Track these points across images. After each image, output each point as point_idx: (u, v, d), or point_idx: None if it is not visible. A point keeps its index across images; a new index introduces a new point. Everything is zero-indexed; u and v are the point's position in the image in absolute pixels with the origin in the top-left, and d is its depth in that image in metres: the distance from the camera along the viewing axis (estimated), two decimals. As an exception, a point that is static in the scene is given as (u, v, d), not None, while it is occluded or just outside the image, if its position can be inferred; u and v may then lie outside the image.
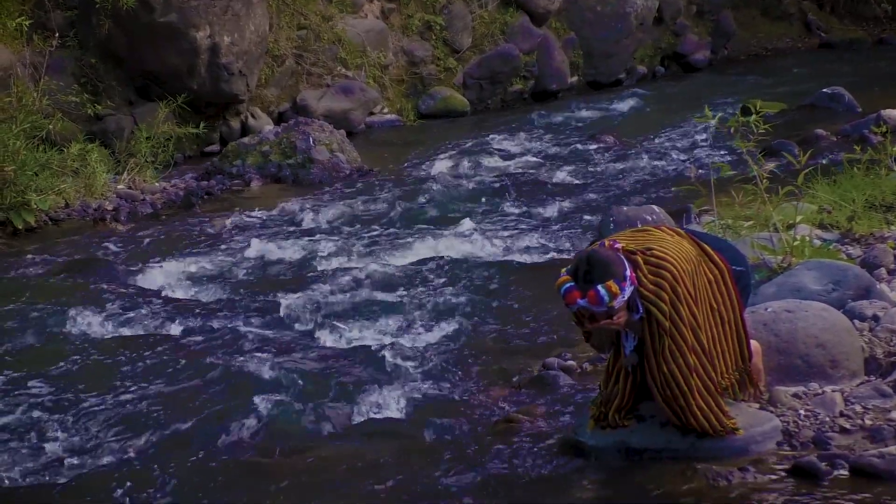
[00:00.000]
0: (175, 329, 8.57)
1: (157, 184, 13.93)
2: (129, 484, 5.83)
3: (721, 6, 25.72)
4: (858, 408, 5.69)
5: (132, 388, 7.25)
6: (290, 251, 10.80)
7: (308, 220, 12.25)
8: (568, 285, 5.15)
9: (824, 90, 17.36)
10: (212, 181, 14.22)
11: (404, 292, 9.17)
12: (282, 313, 8.83)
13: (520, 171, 14.53)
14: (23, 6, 15.08)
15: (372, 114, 19.05)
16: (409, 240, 11.04)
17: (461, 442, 6.22)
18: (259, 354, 7.67)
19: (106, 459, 6.26)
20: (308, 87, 18.47)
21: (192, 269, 10.28)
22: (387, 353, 7.64)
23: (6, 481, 6.07)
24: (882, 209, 9.05)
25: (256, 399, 6.77)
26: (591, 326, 5.30)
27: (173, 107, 15.22)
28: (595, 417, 5.61)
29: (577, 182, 13.76)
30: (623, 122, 18.64)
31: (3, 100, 13.03)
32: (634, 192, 12.78)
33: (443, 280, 9.45)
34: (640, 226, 9.06)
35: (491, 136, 17.00)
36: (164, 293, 9.49)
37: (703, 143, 15.03)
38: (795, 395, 5.82)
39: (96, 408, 6.93)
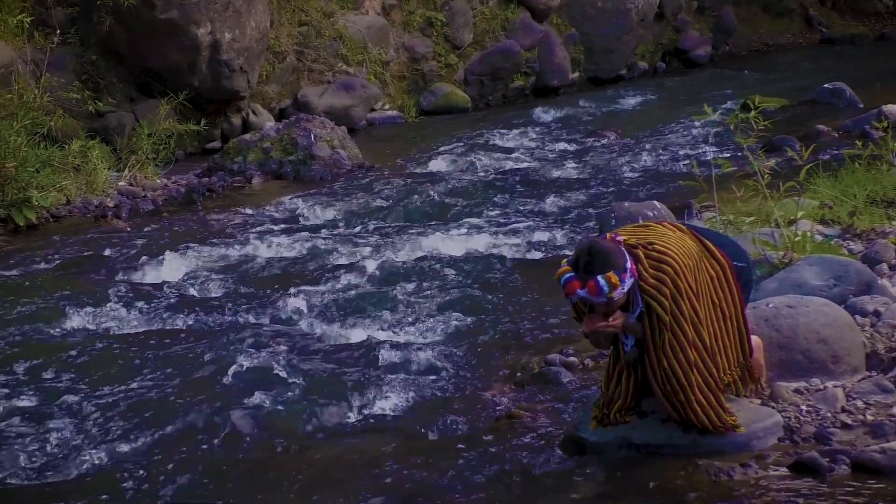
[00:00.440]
0: (176, 325, 8.57)
1: (158, 180, 13.94)
2: (129, 482, 5.84)
3: (722, 2, 25.73)
4: (860, 403, 5.68)
5: (133, 385, 7.25)
6: (291, 248, 10.80)
7: (309, 217, 12.26)
8: (568, 275, 5.15)
9: (825, 86, 17.37)
10: (213, 178, 14.23)
11: (405, 288, 9.16)
12: (282, 310, 8.84)
13: (521, 167, 14.53)
14: (24, 3, 15.11)
15: (373, 110, 19.06)
16: (410, 236, 11.04)
17: (463, 438, 6.23)
18: (260, 351, 7.67)
19: (106, 457, 6.26)
20: (309, 83, 18.47)
21: (193, 265, 10.28)
22: (388, 350, 7.64)
23: (7, 480, 6.07)
24: (883, 204, 9.05)
25: (257, 395, 6.78)
26: (588, 328, 5.30)
27: (174, 104, 15.24)
28: (597, 419, 5.61)
29: (578, 178, 13.76)
30: (624, 118, 18.65)
31: (5, 97, 13.03)
32: (636, 188, 12.78)
33: (444, 276, 9.45)
34: (641, 221, 9.08)
35: (492, 132, 17.01)
36: (165, 290, 9.49)
37: (705, 139, 15.02)
38: (797, 391, 5.82)
39: (97, 405, 6.94)
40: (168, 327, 8.54)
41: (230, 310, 8.90)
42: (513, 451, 5.83)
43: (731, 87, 20.22)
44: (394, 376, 7.25)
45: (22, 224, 11.78)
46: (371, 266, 9.74)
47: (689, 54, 24.81)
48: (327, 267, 9.95)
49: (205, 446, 6.30)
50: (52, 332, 8.38)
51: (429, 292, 9.06)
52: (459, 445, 6.06)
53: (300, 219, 12.21)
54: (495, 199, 12.61)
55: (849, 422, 5.52)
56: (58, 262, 10.49)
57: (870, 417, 5.53)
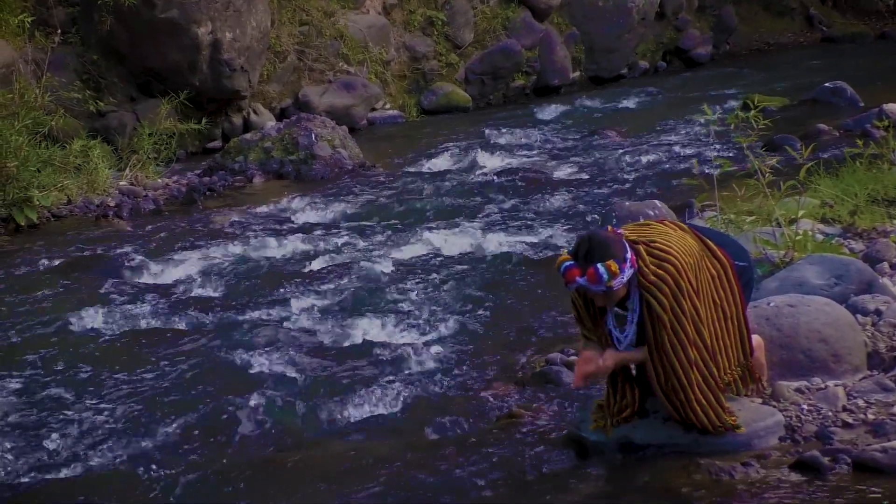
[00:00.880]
0: (177, 325, 8.58)
1: (159, 180, 13.95)
2: (129, 482, 5.84)
3: (723, 1, 25.74)
4: (861, 402, 5.69)
5: (133, 385, 7.25)
6: (292, 247, 10.80)
7: (310, 216, 12.26)
8: (568, 263, 5.15)
9: (826, 85, 17.37)
10: (214, 177, 14.23)
11: (406, 288, 9.17)
12: (283, 309, 8.84)
13: (521, 166, 14.52)
14: (25, 3, 15.12)
15: (374, 109, 19.07)
16: (411, 235, 11.04)
17: (464, 437, 6.22)
18: (260, 351, 7.67)
19: (106, 457, 6.26)
20: (310, 82, 18.48)
21: (194, 265, 10.28)
22: (389, 349, 7.64)
23: (8, 479, 6.08)
24: (884, 203, 9.05)
25: (258, 395, 6.78)
26: (580, 373, 5.31)
27: (175, 103, 15.25)
28: (602, 426, 5.59)
29: (579, 177, 13.76)
30: (625, 117, 18.65)
31: (6, 96, 13.04)
32: (637, 187, 12.78)
33: (445, 275, 9.45)
34: (642, 220, 9.08)
35: (493, 131, 17.01)
36: (166, 289, 9.50)
37: (706, 138, 15.02)
38: (798, 390, 5.82)
39: (98, 404, 6.94)
40: (169, 327, 8.54)
41: (231, 309, 8.90)
42: (513, 450, 5.83)
43: (732, 86, 20.23)
44: (394, 376, 7.25)
45: (23, 223, 11.78)
46: (372, 265, 9.74)
47: (689, 53, 24.83)
48: (328, 266, 9.95)
49: (205, 446, 6.30)
50: (53, 331, 8.37)
51: (429, 291, 9.07)
52: (460, 445, 6.06)
53: (301, 218, 12.22)
54: (496, 198, 12.61)
55: (850, 421, 5.52)
56: (59, 261, 10.49)
57: (871, 416, 5.53)
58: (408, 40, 20.23)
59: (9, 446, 6.42)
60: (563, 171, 14.15)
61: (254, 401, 6.74)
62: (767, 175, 8.02)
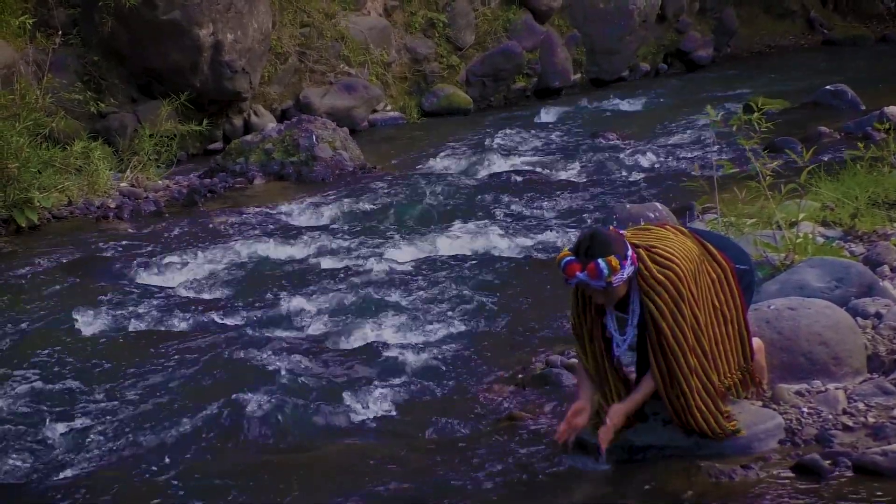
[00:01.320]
0: (177, 327, 8.58)
1: (160, 181, 13.94)
2: (129, 483, 5.83)
3: (724, 3, 25.77)
4: (861, 405, 5.69)
5: (134, 387, 7.26)
6: (293, 249, 10.80)
7: (311, 218, 12.26)
8: (568, 258, 5.15)
9: (827, 87, 17.38)
10: (215, 179, 14.23)
11: (407, 290, 9.17)
12: (284, 311, 8.84)
13: (522, 168, 14.53)
14: (26, 4, 15.12)
15: (375, 111, 19.08)
16: (412, 237, 11.04)
17: (464, 439, 6.22)
18: (261, 353, 7.66)
19: (107, 458, 6.26)
20: (311, 84, 18.49)
21: (195, 266, 10.28)
22: (389, 351, 7.64)
23: (9, 479, 6.08)
24: (885, 206, 9.05)
25: (258, 397, 6.77)
26: (563, 431, 5.32)
27: (176, 104, 15.26)
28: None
29: (579, 179, 13.77)
30: (626, 119, 18.66)
31: (7, 97, 13.03)
32: (637, 190, 12.77)
33: (445, 277, 9.45)
34: (642, 223, 9.07)
35: (493, 133, 17.01)
36: (166, 291, 9.50)
37: (707, 141, 15.02)
38: (798, 393, 5.83)
39: (98, 406, 6.95)
40: (169, 328, 8.54)
41: (231, 311, 8.90)
42: (514, 452, 5.83)
43: (733, 88, 20.24)
44: (395, 378, 7.25)
45: (24, 225, 11.78)
46: (372, 267, 9.74)
47: (690, 56, 24.84)
48: (329, 268, 9.95)
49: (204, 447, 6.30)
50: (53, 332, 8.37)
51: (430, 293, 9.07)
52: (461, 447, 6.06)
53: (302, 220, 12.22)
54: (497, 200, 12.61)
55: (850, 424, 5.52)
56: (59, 263, 10.49)
57: (871, 419, 5.53)
58: (409, 42, 20.24)
59: (9, 447, 6.42)
60: (563, 173, 14.16)
61: (254, 402, 6.74)
62: (768, 178, 8.02)
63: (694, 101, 18.73)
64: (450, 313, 8.59)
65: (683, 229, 5.54)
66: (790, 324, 6.00)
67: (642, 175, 13.80)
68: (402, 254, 10.45)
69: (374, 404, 6.88)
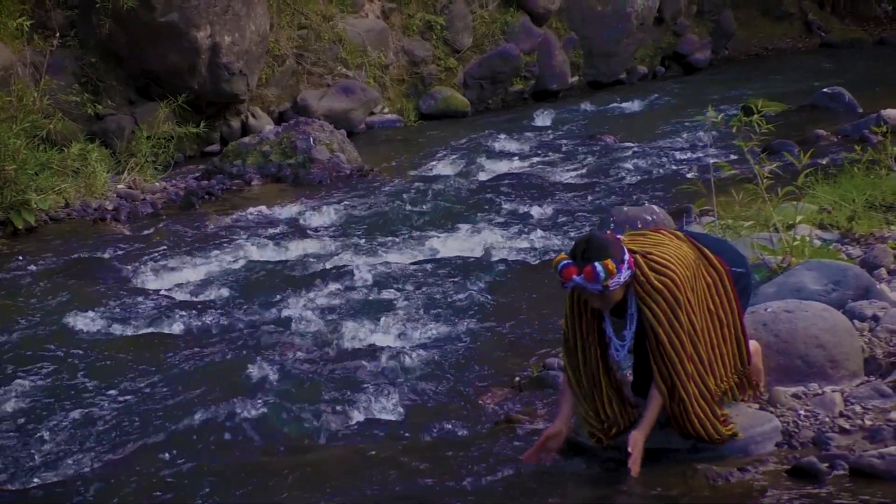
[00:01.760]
0: (175, 329, 8.57)
1: (157, 183, 13.94)
2: (127, 485, 5.82)
3: (721, 6, 25.78)
4: (858, 408, 5.69)
5: (131, 389, 7.25)
6: (290, 251, 10.81)
7: (308, 221, 12.26)
8: (565, 262, 5.15)
9: (824, 90, 17.39)
10: (212, 181, 14.23)
11: (404, 292, 9.17)
12: (281, 313, 8.84)
13: (520, 171, 14.54)
14: (23, 6, 15.10)
15: (372, 114, 19.07)
16: (409, 240, 11.04)
17: (461, 442, 6.22)
18: (258, 355, 7.66)
19: (104, 460, 6.26)
20: (308, 86, 18.49)
21: (192, 269, 10.28)
22: (386, 354, 7.64)
23: (4, 482, 6.07)
24: (882, 209, 9.05)
25: (255, 399, 6.77)
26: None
27: (174, 106, 15.26)
28: (595, 439, 5.59)
29: (577, 182, 13.77)
30: (623, 122, 18.66)
31: (4, 99, 13.03)
32: (635, 192, 12.78)
33: (442, 280, 9.45)
34: (639, 226, 9.07)
35: (491, 136, 17.01)
36: (163, 293, 9.49)
37: (704, 143, 15.02)
38: (795, 396, 5.83)
39: (95, 408, 6.94)
40: (166, 331, 8.54)
41: (229, 313, 8.90)
42: (511, 455, 5.82)
43: (731, 91, 20.24)
44: (392, 380, 7.25)
45: (21, 227, 11.77)
46: (369, 270, 9.74)
47: (688, 58, 24.85)
48: (326, 271, 9.95)
49: (201, 449, 6.29)
50: (50, 335, 8.36)
51: (427, 296, 9.06)
52: (457, 449, 6.05)
53: (299, 222, 12.22)
54: (494, 203, 12.61)
55: (847, 427, 5.52)
56: (56, 265, 10.49)
57: (868, 422, 5.53)
58: (406, 44, 20.24)
59: (5, 448, 6.42)
60: (561, 176, 14.16)
61: (251, 404, 6.74)
62: (765, 180, 8.02)
63: (691, 104, 18.73)
64: (447, 316, 8.58)
65: (679, 234, 5.53)
66: (787, 326, 6.00)
67: (639, 177, 13.80)
68: (400, 256, 10.45)
69: (371, 407, 6.87)
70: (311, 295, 9.22)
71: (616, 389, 5.51)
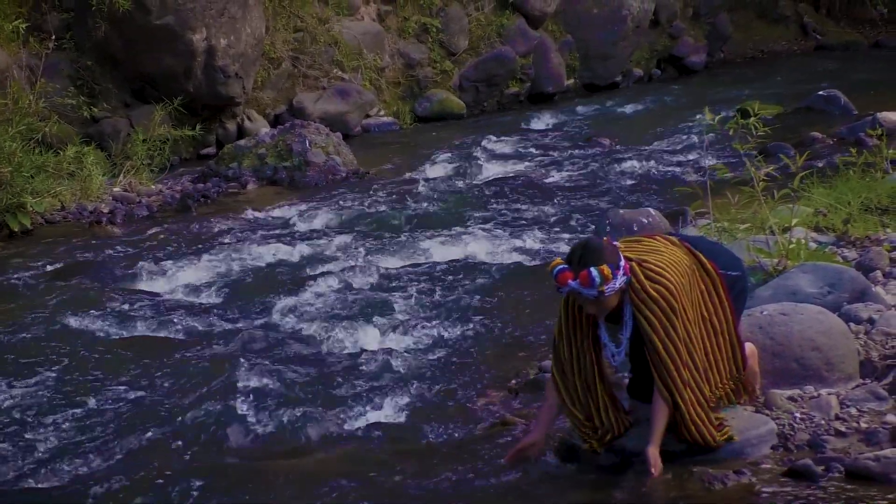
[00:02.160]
0: (170, 332, 8.57)
1: (153, 186, 13.94)
2: (120, 488, 5.82)
3: (717, 9, 25.76)
4: (854, 411, 5.69)
5: (127, 391, 7.25)
6: (286, 254, 10.79)
7: (304, 223, 12.25)
8: (561, 266, 5.16)
9: (820, 93, 17.39)
10: (208, 184, 14.22)
11: (400, 295, 9.16)
12: (277, 316, 8.84)
13: (516, 173, 14.53)
14: (19, 8, 15.08)
15: (368, 116, 19.06)
16: (405, 242, 11.03)
17: (456, 445, 6.22)
18: (254, 357, 7.66)
19: (98, 463, 6.25)
20: (304, 89, 18.48)
21: (188, 271, 10.27)
22: (381, 357, 7.63)
23: (2, 483, 6.07)
24: (877, 212, 9.05)
25: (250, 402, 6.78)
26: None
27: (169, 109, 15.25)
28: (589, 445, 5.59)
29: (573, 185, 13.77)
30: (619, 124, 18.65)
31: (0, 102, 13.01)
32: (631, 195, 12.79)
33: (438, 283, 9.45)
34: (636, 229, 9.06)
35: (487, 138, 17.00)
36: (159, 296, 9.49)
37: (700, 146, 15.02)
38: (791, 398, 5.82)
39: (91, 410, 6.94)
40: (161, 334, 8.54)
41: (224, 316, 8.90)
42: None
43: (727, 93, 20.23)
44: (387, 383, 7.25)
45: (16, 230, 11.78)
46: (365, 273, 9.74)
47: (684, 61, 24.84)
48: (321, 273, 9.94)
49: (198, 452, 6.29)
50: (45, 337, 8.35)
51: (422, 299, 9.06)
52: (453, 452, 6.05)
53: (294, 225, 12.21)
54: (490, 205, 12.61)
55: (843, 429, 5.52)
56: (52, 267, 10.49)
57: (864, 425, 5.53)
58: (402, 47, 20.23)
59: (1, 450, 6.41)
60: (557, 179, 14.16)
61: (248, 407, 6.74)
62: (761, 183, 8.02)
63: (687, 107, 18.74)
64: (443, 319, 8.58)
65: (674, 239, 5.53)
66: (783, 329, 6.00)
67: (635, 180, 13.80)
68: (395, 259, 10.45)
69: (367, 410, 6.88)
70: (307, 298, 9.21)
71: (611, 396, 5.51)
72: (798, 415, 5.68)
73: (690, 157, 14.86)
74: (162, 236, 11.74)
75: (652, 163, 14.71)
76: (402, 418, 6.81)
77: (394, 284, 9.48)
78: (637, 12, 22.77)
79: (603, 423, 5.49)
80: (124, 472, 6.07)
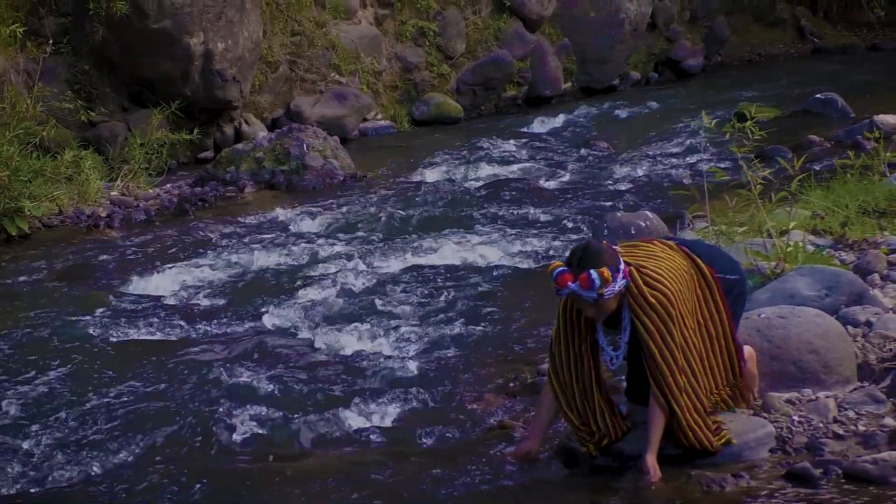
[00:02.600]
0: (166, 336, 8.57)
1: (150, 190, 13.93)
2: (121, 490, 5.82)
3: (714, 12, 25.76)
4: (852, 413, 5.69)
5: (124, 395, 7.24)
6: (284, 258, 10.79)
7: (301, 227, 12.25)
8: (561, 269, 5.17)
9: (817, 96, 17.38)
10: (205, 187, 14.21)
11: (398, 299, 9.17)
12: (275, 320, 8.84)
13: (513, 177, 14.53)
14: (17, 13, 15.07)
15: (365, 120, 19.05)
16: (403, 246, 11.03)
17: (455, 448, 6.22)
18: (252, 361, 7.66)
19: (95, 466, 6.24)
20: (302, 93, 18.47)
21: (186, 275, 10.27)
22: (379, 360, 7.64)
23: (1, 486, 6.06)
24: (875, 215, 9.06)
25: (247, 406, 6.78)
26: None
27: (167, 113, 15.24)
28: (587, 449, 5.59)
29: (570, 188, 13.77)
30: (617, 127, 18.65)
31: (-3, 106, 13.02)
32: (628, 198, 12.79)
33: (436, 286, 9.45)
34: (633, 232, 9.07)
35: (484, 142, 16.99)
36: (156, 300, 9.49)
37: (697, 149, 15.02)
38: (789, 401, 5.83)
39: (88, 414, 6.93)
40: (159, 337, 8.54)
41: (222, 320, 8.90)
42: (504, 461, 5.83)
43: (724, 97, 20.24)
44: (385, 387, 7.25)
45: (14, 234, 11.76)
46: (362, 276, 9.74)
47: (681, 64, 24.84)
48: (319, 277, 9.94)
49: (194, 456, 6.29)
50: (42, 341, 8.35)
51: (420, 303, 9.07)
52: (451, 455, 6.05)
53: (292, 229, 12.21)
54: (487, 209, 12.61)
55: (840, 432, 5.53)
56: (50, 272, 10.48)
57: (861, 428, 5.54)
58: (399, 51, 20.23)
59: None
60: (554, 182, 14.16)
61: (245, 411, 6.74)
62: (759, 186, 8.02)
63: (685, 110, 18.75)
64: (440, 323, 8.58)
65: (672, 243, 5.53)
66: (780, 332, 6.00)
67: (633, 183, 13.81)
68: (393, 263, 10.44)
69: (365, 413, 6.87)
70: (303, 302, 9.22)
71: (608, 401, 5.52)
72: (796, 418, 5.68)
73: (688, 160, 14.86)
74: (159, 240, 11.74)
75: (649, 166, 14.72)
76: (398, 422, 6.81)
77: (391, 288, 9.48)
78: (634, 16, 22.77)
79: (599, 428, 5.49)
80: (123, 474, 6.08)
